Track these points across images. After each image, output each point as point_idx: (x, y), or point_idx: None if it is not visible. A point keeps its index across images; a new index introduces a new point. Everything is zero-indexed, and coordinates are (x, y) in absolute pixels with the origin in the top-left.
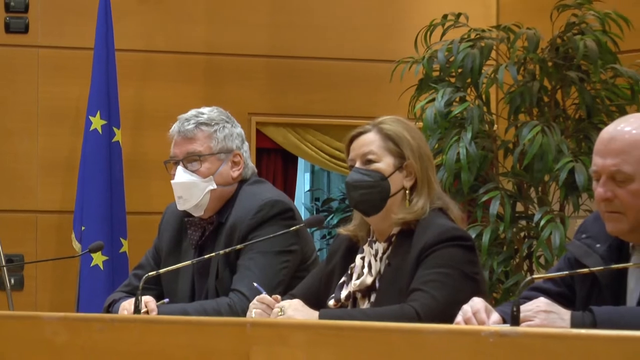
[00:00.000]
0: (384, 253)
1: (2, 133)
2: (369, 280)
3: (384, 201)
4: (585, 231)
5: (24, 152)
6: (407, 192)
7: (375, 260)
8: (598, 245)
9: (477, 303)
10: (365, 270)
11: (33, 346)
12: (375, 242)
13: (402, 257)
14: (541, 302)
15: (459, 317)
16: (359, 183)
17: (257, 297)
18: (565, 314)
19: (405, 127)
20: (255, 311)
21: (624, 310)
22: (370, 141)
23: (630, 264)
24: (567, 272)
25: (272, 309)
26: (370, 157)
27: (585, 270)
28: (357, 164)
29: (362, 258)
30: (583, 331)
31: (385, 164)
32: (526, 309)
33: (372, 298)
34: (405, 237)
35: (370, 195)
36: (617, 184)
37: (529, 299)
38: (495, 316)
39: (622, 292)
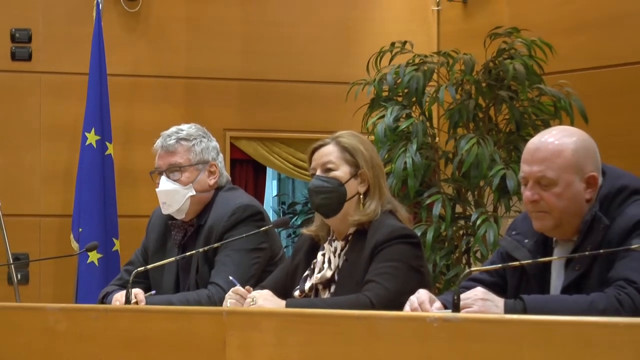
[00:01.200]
0: (341, 250)
1: (9, 147)
2: (329, 273)
3: (341, 204)
4: (515, 228)
5: (29, 163)
6: (361, 196)
7: (334, 257)
8: (526, 241)
9: (422, 294)
10: (326, 265)
11: (37, 333)
12: (334, 240)
13: (358, 253)
14: (478, 291)
15: (407, 307)
16: (320, 189)
17: (232, 289)
18: (499, 301)
19: (360, 141)
20: (230, 301)
21: (549, 298)
22: (329, 152)
23: (554, 257)
24: (500, 265)
25: (245, 299)
26: (330, 166)
27: (516, 263)
28: (318, 172)
29: (323, 254)
30: (515, 316)
31: (342, 172)
32: (465, 297)
33: (332, 289)
34: (360, 236)
35: (330, 199)
36: (542, 188)
37: (468, 288)
38: (437, 304)
39: (546, 281)
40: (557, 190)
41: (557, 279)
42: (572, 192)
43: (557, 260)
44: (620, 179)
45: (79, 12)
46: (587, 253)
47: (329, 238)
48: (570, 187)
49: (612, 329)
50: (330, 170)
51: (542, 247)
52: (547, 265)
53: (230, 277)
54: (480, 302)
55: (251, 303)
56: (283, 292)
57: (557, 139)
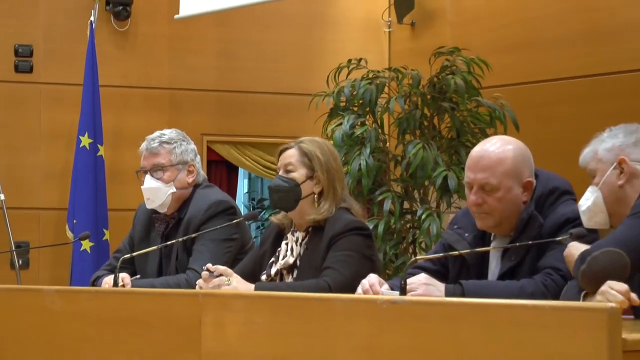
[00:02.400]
0: (302, 240)
1: (13, 148)
2: (291, 260)
3: (296, 202)
4: (457, 223)
5: (30, 163)
6: (315, 196)
7: (296, 245)
8: (467, 235)
9: (372, 278)
10: (289, 253)
11: (36, 312)
12: (296, 231)
13: (316, 243)
14: (422, 277)
15: (360, 289)
16: (278, 187)
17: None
18: (441, 286)
19: (318, 146)
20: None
21: (485, 283)
22: (291, 155)
23: (491, 247)
24: (442, 254)
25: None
26: (289, 167)
27: (455, 252)
28: (280, 172)
29: (287, 244)
30: (455, 299)
31: (299, 174)
32: (411, 282)
33: (294, 274)
34: (319, 228)
35: (286, 197)
36: (485, 192)
37: (414, 274)
38: (385, 285)
39: (485, 270)
40: (499, 195)
41: (494, 268)
42: (511, 196)
43: (494, 252)
44: (551, 181)
45: (74, 30)
46: (518, 244)
47: (292, 229)
48: (510, 192)
49: (539, 311)
50: (289, 171)
51: (480, 241)
52: (486, 257)
53: (209, 266)
54: (424, 287)
55: (226, 282)
56: (252, 276)
57: (498, 149)
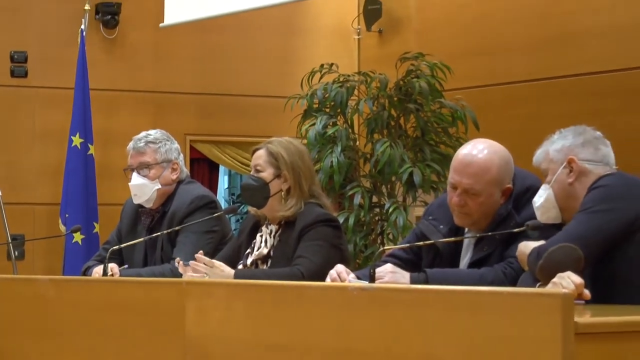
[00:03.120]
0: (275, 232)
1: (9, 148)
2: (265, 251)
3: (266, 199)
4: (432, 214)
5: (25, 161)
6: (283, 193)
7: (270, 237)
8: (441, 227)
9: (339, 267)
10: (263, 244)
11: (31, 300)
12: (269, 224)
13: (288, 235)
14: (388, 266)
15: (329, 278)
16: (248, 186)
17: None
18: (406, 274)
19: (285, 147)
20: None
21: (447, 271)
22: (259, 156)
23: (460, 237)
24: (408, 245)
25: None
26: (258, 167)
27: (420, 243)
28: (252, 172)
29: (261, 236)
30: (419, 286)
31: (267, 173)
32: (379, 270)
33: (268, 264)
34: (290, 221)
35: (256, 195)
36: (468, 196)
37: (386, 262)
38: (352, 275)
39: (457, 260)
40: (481, 199)
41: (464, 258)
42: (492, 201)
43: (467, 244)
44: (526, 180)
45: (66, 37)
46: (478, 235)
47: (266, 222)
48: (491, 198)
49: (498, 297)
50: (258, 171)
51: (455, 234)
52: (459, 248)
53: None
54: (390, 275)
55: (205, 275)
56: (231, 265)
57: (485, 156)
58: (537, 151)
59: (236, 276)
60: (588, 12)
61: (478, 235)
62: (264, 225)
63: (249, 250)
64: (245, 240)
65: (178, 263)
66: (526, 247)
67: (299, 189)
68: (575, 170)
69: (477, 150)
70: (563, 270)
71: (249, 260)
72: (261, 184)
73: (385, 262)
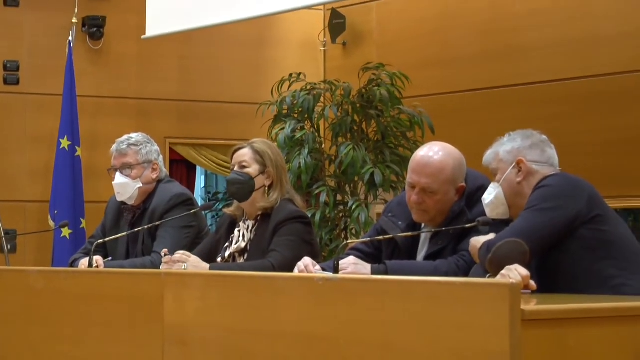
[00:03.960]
0: (252, 227)
1: (2, 150)
2: (243, 244)
3: (250, 193)
4: (391, 211)
5: (17, 162)
6: (266, 188)
7: (247, 232)
8: (400, 223)
9: (306, 260)
10: (241, 238)
11: (21, 290)
12: (247, 220)
13: (264, 229)
14: (351, 258)
15: (296, 270)
16: (235, 180)
17: (164, 258)
18: (367, 265)
19: (269, 147)
20: (164, 266)
21: (405, 263)
22: (244, 154)
23: (416, 232)
24: (370, 239)
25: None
26: (244, 164)
27: (380, 237)
28: (236, 168)
29: (239, 230)
30: (379, 277)
31: (253, 169)
32: (342, 262)
33: (245, 256)
34: (266, 217)
35: (242, 189)
36: (426, 194)
37: (348, 256)
38: (317, 266)
39: (414, 253)
40: (437, 197)
41: (421, 251)
42: (447, 198)
43: (423, 238)
44: (477, 180)
45: (55, 48)
46: (434, 230)
47: (243, 218)
48: (447, 195)
49: (451, 286)
50: (244, 167)
51: (412, 229)
52: (416, 242)
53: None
54: (353, 266)
55: (183, 266)
56: (207, 258)
57: (440, 158)
58: (487, 152)
59: (213, 269)
60: (534, 28)
61: (433, 230)
62: (242, 221)
63: (227, 244)
64: (224, 235)
65: (165, 254)
66: (477, 241)
67: (280, 185)
68: (524, 171)
69: (433, 152)
70: (510, 263)
71: (227, 253)
72: (247, 179)
73: (349, 255)
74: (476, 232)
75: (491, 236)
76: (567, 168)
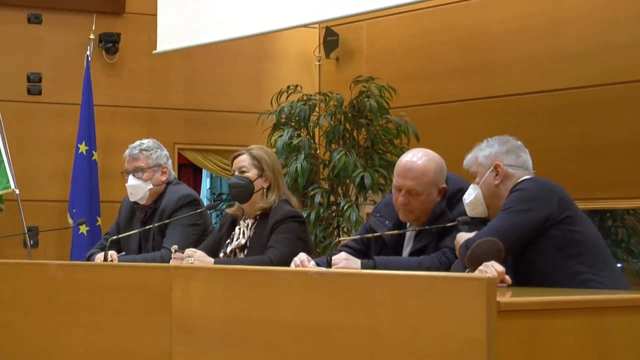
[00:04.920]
0: (252, 225)
1: (26, 154)
2: (243, 241)
3: (250, 195)
4: (379, 212)
5: (39, 165)
6: (264, 190)
7: (247, 230)
8: (387, 222)
9: (302, 256)
10: (241, 235)
11: (42, 281)
12: (247, 219)
13: (262, 227)
14: (343, 254)
15: (293, 264)
16: (236, 184)
17: (174, 254)
18: (357, 261)
19: (265, 152)
20: (173, 261)
21: (392, 259)
22: (244, 160)
23: (401, 230)
24: (360, 236)
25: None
26: (243, 169)
27: (369, 235)
28: (236, 173)
29: (239, 229)
30: (369, 271)
31: (252, 173)
32: (334, 258)
33: (245, 252)
34: (264, 216)
35: (242, 192)
36: (411, 196)
37: (341, 252)
38: (312, 262)
39: (400, 250)
40: (422, 198)
41: (407, 248)
42: (430, 199)
43: (408, 236)
44: (457, 183)
45: (74, 62)
46: (418, 228)
47: (243, 217)
48: (430, 196)
49: (434, 280)
50: (244, 172)
51: (398, 227)
52: (402, 240)
53: (175, 246)
54: (344, 261)
55: (190, 261)
56: (211, 254)
57: (423, 162)
58: (467, 155)
59: (217, 263)
60: (507, 46)
61: (418, 229)
62: (242, 220)
63: (228, 241)
64: (226, 233)
65: (175, 250)
66: (461, 237)
67: (277, 187)
68: (501, 174)
69: (417, 157)
70: (487, 260)
71: (228, 249)
72: (247, 182)
73: (341, 251)
74: (457, 230)
75: (473, 233)
76: (539, 172)
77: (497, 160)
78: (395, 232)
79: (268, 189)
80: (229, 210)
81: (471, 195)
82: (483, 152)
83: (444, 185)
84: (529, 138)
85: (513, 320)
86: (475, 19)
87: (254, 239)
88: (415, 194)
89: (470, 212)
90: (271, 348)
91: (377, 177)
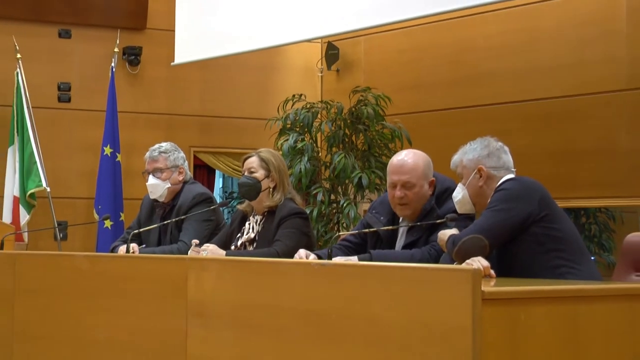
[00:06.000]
0: (260, 221)
1: (56, 156)
2: (252, 235)
3: (257, 194)
4: (375, 209)
5: (68, 166)
6: (270, 189)
7: (256, 225)
8: (382, 218)
9: (301, 252)
10: (251, 230)
11: (71, 271)
12: (255, 215)
13: (269, 223)
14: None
15: (297, 256)
16: (244, 184)
17: (192, 247)
18: (353, 259)
19: (273, 155)
20: (191, 253)
21: (387, 252)
22: (252, 161)
23: (394, 226)
24: (357, 231)
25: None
26: (252, 170)
27: (366, 230)
28: (245, 173)
29: (249, 224)
30: (365, 263)
31: (259, 174)
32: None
33: (254, 245)
34: (271, 213)
35: (250, 190)
36: (407, 188)
37: (341, 244)
38: (312, 256)
39: (394, 243)
40: (416, 190)
41: (400, 241)
42: (423, 191)
43: (401, 231)
44: (445, 182)
45: (100, 72)
46: (406, 224)
47: (252, 213)
48: (422, 188)
49: (425, 271)
50: (252, 172)
51: (392, 223)
52: (396, 234)
53: (195, 240)
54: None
55: (204, 253)
56: (223, 246)
57: (412, 159)
58: (454, 157)
59: (228, 255)
60: (491, 60)
61: (410, 224)
62: (251, 216)
63: (239, 235)
64: (236, 227)
65: (195, 244)
66: (443, 234)
67: (282, 187)
68: (484, 176)
69: (406, 156)
70: (473, 255)
71: (239, 242)
72: (255, 182)
73: (340, 245)
74: (445, 226)
75: (454, 230)
76: (520, 173)
77: (480, 164)
78: (390, 227)
79: (274, 188)
80: (239, 207)
81: (459, 194)
82: (467, 156)
83: (433, 178)
84: (509, 142)
85: (496, 307)
86: (461, 36)
87: (262, 233)
88: (410, 187)
89: (459, 209)
90: (276, 331)
91: (373, 178)
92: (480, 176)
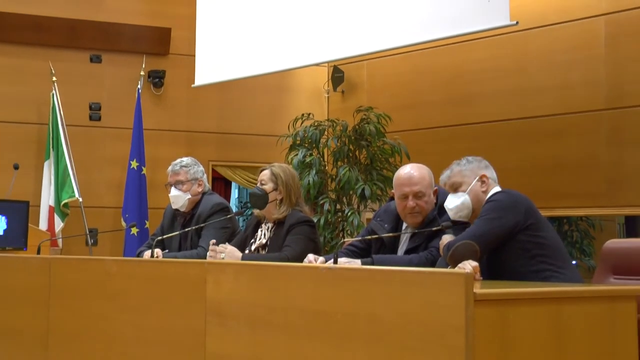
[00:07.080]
0: (272, 228)
1: (88, 170)
2: (264, 241)
3: (265, 204)
4: (379, 216)
5: (98, 179)
6: (277, 202)
7: (268, 231)
8: (386, 225)
9: (310, 257)
10: (263, 236)
11: (100, 273)
12: (267, 222)
13: (280, 230)
14: (344, 259)
15: (306, 261)
16: (254, 193)
17: (211, 247)
18: (357, 262)
19: (282, 170)
20: (209, 255)
21: (388, 256)
22: (265, 174)
23: (399, 233)
24: (361, 238)
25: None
26: (263, 182)
27: (369, 237)
28: (258, 185)
29: (261, 230)
30: (368, 267)
31: (268, 186)
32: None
33: (266, 250)
34: (281, 221)
35: (259, 200)
36: (418, 198)
37: (347, 249)
38: (321, 259)
39: (396, 249)
40: (425, 199)
41: (402, 247)
42: (430, 199)
43: (404, 237)
44: (446, 194)
45: (127, 93)
46: (402, 232)
47: (265, 220)
48: (430, 197)
49: (422, 274)
50: (262, 184)
51: (394, 231)
52: (398, 240)
53: (213, 241)
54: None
55: (222, 256)
56: (239, 249)
57: (417, 171)
58: (445, 172)
59: (243, 258)
60: (482, 82)
61: (411, 232)
62: (264, 223)
63: (252, 240)
64: (250, 233)
65: (212, 243)
66: (445, 239)
67: (288, 200)
68: (487, 183)
69: (412, 169)
70: (466, 259)
71: (252, 247)
72: (263, 193)
73: (346, 250)
74: (442, 233)
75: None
76: (504, 185)
77: (481, 172)
78: (392, 234)
79: (281, 201)
80: (256, 212)
81: (458, 200)
82: (467, 167)
83: (436, 187)
84: (499, 157)
85: (486, 308)
86: (455, 60)
87: (273, 239)
88: (420, 196)
89: (453, 215)
90: (287, 329)
91: (375, 189)
92: (483, 182)
